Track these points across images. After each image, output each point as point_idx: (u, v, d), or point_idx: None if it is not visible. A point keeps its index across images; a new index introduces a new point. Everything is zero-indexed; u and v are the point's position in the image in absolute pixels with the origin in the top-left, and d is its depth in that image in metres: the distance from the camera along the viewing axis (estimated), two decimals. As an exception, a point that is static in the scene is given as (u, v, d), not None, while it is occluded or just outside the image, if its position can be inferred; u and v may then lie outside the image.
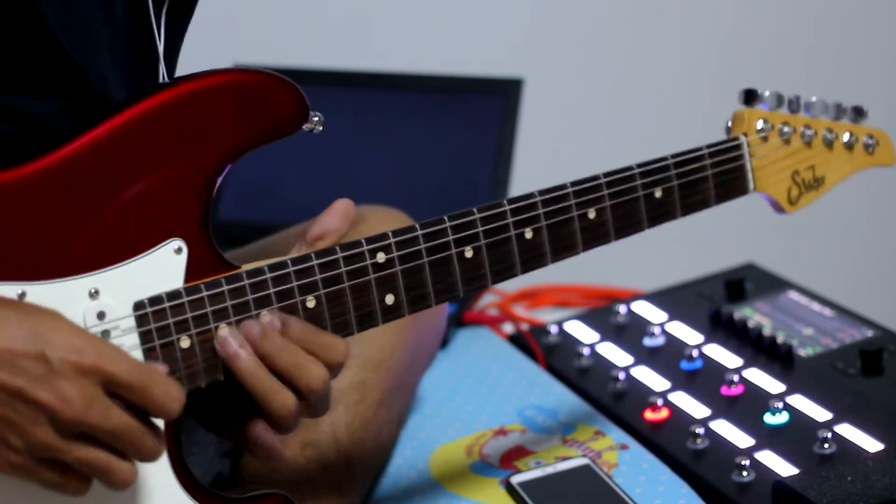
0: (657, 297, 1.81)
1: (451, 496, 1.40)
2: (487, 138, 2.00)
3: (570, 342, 1.74)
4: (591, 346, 1.71)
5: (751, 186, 1.32)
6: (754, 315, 1.71)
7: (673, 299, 1.79)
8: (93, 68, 1.12)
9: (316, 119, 1.12)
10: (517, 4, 2.38)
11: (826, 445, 1.40)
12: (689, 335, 1.69)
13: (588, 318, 1.79)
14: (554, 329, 1.77)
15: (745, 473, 1.39)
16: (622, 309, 1.78)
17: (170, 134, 1.08)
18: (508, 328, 1.83)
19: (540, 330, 1.78)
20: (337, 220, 1.13)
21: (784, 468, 1.39)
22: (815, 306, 1.72)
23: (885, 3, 2.43)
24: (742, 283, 1.77)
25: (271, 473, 1.31)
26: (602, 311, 1.81)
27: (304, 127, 1.12)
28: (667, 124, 2.34)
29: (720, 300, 1.77)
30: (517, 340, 1.78)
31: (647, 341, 1.69)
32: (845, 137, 1.38)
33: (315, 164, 2.04)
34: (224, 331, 1.07)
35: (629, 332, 1.73)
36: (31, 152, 1.04)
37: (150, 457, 1.00)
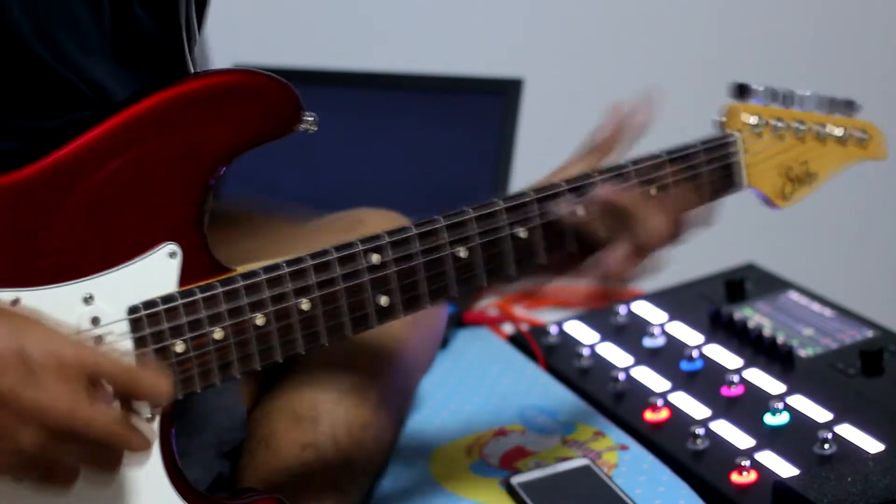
0: (657, 297, 1.81)
1: (451, 496, 1.40)
2: (487, 138, 1.99)
3: (570, 342, 1.74)
4: (591, 346, 1.71)
5: (744, 183, 1.31)
6: (754, 315, 1.71)
7: (673, 299, 1.79)
8: (86, 77, 1.09)
9: (311, 119, 1.11)
10: (517, 4, 2.37)
11: (826, 446, 1.40)
12: (689, 335, 1.69)
13: (588, 319, 1.79)
14: (554, 329, 1.77)
15: (745, 474, 1.39)
16: (622, 309, 1.77)
17: (162, 138, 1.07)
18: (508, 328, 1.83)
19: (540, 330, 1.78)
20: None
21: (784, 469, 1.39)
22: (815, 306, 1.72)
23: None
24: (742, 283, 1.77)
25: (271, 475, 1.31)
26: (602, 311, 1.81)
27: (299, 127, 1.11)
28: (668, 124, 2.34)
29: (720, 300, 1.76)
30: (517, 341, 1.77)
31: (647, 341, 1.69)
32: (838, 132, 1.36)
33: (315, 165, 2.03)
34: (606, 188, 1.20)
35: (629, 333, 1.73)
36: (26, 159, 1.03)
37: (140, 450, 0.98)
